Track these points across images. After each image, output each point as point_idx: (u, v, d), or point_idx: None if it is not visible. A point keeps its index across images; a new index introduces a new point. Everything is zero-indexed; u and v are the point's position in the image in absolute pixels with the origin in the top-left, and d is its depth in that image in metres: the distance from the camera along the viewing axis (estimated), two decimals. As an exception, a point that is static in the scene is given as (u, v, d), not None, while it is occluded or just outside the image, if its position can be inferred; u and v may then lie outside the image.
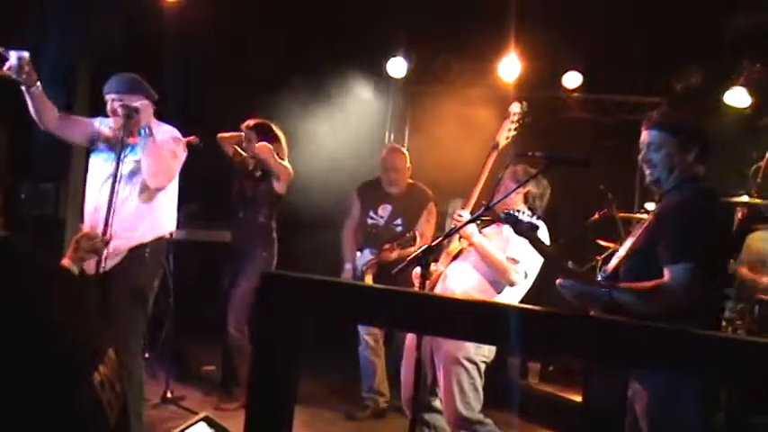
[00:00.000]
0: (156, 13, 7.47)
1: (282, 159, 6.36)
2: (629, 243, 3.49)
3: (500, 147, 4.88)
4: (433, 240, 4.41)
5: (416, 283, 4.68)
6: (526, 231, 3.71)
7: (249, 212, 6.42)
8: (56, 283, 1.57)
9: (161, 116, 5.13)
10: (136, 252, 4.90)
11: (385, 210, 6.67)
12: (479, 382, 4.80)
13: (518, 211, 3.87)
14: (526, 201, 4.93)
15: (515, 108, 4.95)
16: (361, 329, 6.65)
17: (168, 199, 5.07)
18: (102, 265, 4.76)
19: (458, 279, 4.84)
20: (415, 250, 5.60)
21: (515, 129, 4.92)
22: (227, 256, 6.61)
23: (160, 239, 5.03)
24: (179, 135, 5.09)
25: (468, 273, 4.85)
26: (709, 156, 3.44)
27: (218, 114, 6.37)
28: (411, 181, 6.78)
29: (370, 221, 6.68)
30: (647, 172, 3.48)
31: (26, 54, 4.50)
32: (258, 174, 6.37)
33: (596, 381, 3.60)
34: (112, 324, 4.58)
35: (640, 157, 3.49)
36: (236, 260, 6.39)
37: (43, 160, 7.61)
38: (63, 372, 1.46)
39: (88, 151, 5.12)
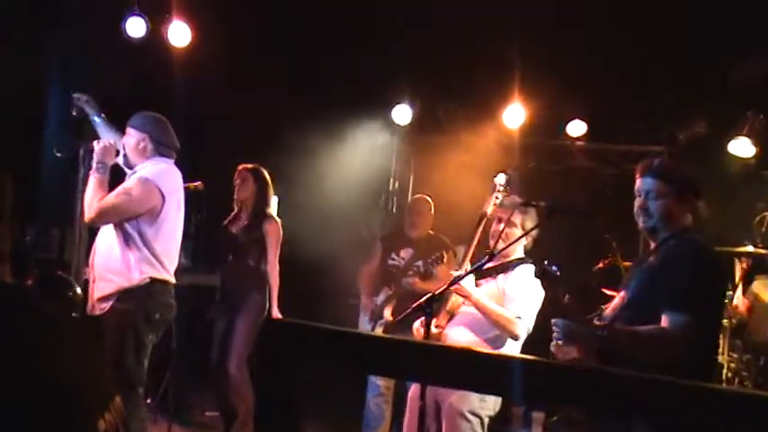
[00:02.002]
0: (164, 59, 7.55)
1: (268, 204, 6.44)
2: (623, 293, 3.49)
3: (487, 216, 4.91)
4: (437, 289, 4.41)
5: (418, 334, 4.68)
6: (552, 284, 3.70)
7: (238, 257, 6.41)
8: (63, 330, 1.58)
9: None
10: (119, 303, 4.81)
11: (407, 253, 6.75)
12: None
13: (547, 263, 3.87)
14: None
15: (501, 179, 4.97)
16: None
17: (153, 245, 4.90)
18: (92, 307, 4.81)
19: (461, 331, 4.82)
20: (431, 286, 5.66)
21: (501, 199, 4.93)
22: (218, 300, 6.57)
23: (147, 289, 4.86)
24: (156, 179, 4.91)
25: (465, 335, 4.81)
26: (699, 207, 3.47)
27: (224, 158, 6.40)
28: (432, 232, 6.87)
29: (390, 262, 6.76)
30: (642, 219, 3.47)
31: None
32: (245, 222, 6.39)
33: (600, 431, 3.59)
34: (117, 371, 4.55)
35: (637, 204, 3.49)
36: (229, 303, 6.37)
37: (49, 204, 7.65)
38: (69, 419, 1.46)
39: None
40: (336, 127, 8.50)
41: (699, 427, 1.25)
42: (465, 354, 1.50)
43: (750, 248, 6.30)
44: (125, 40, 7.36)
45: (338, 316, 6.92)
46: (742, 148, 7.63)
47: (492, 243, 4.71)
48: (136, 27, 7.33)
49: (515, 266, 4.78)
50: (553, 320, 3.41)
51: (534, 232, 4.79)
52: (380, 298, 6.63)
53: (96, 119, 5.21)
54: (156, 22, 7.42)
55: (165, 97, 7.54)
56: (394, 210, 9.50)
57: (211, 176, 6.03)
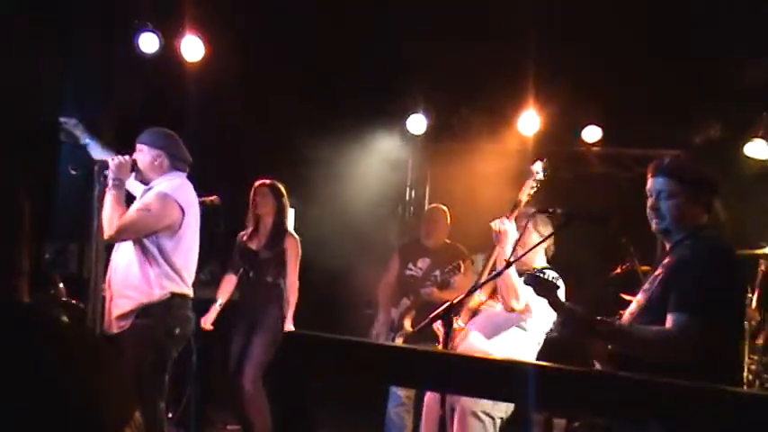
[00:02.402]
0: (177, 74, 7.59)
1: (286, 217, 6.54)
2: (640, 297, 3.44)
3: (521, 205, 4.93)
4: (455, 297, 4.42)
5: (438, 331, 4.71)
6: (548, 293, 3.66)
7: (256, 273, 6.48)
8: (78, 348, 1.58)
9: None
10: (140, 319, 4.85)
11: (424, 262, 6.77)
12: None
13: (541, 271, 3.84)
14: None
15: (537, 167, 4.99)
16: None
17: (172, 259, 4.95)
18: (109, 325, 4.84)
19: (479, 336, 4.85)
20: (449, 294, 5.71)
21: (536, 187, 4.97)
22: (237, 316, 6.59)
23: (167, 304, 4.91)
24: (175, 194, 4.97)
25: (487, 328, 4.86)
26: (715, 205, 3.38)
27: (239, 171, 6.43)
28: (449, 241, 6.89)
29: (408, 273, 6.78)
30: (654, 221, 3.39)
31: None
32: (265, 239, 6.47)
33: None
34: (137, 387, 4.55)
35: (649, 204, 3.41)
36: (247, 320, 6.41)
37: (66, 221, 7.69)
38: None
39: None
40: (351, 138, 8.52)
41: (716, 429, 1.24)
42: (481, 362, 1.50)
43: (768, 250, 6.27)
44: (138, 55, 7.40)
45: (355, 327, 6.91)
46: (758, 150, 7.59)
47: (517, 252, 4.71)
48: (149, 43, 7.38)
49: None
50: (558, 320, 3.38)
51: (552, 240, 4.80)
52: (400, 308, 6.63)
53: (87, 141, 5.27)
54: (169, 37, 7.46)
55: (178, 112, 7.58)
56: (411, 219, 9.49)
57: (226, 191, 6.05)
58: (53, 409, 1.44)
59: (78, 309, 6.41)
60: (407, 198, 9.46)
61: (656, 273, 3.37)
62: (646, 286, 3.44)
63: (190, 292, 5.06)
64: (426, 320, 4.33)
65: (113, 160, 4.85)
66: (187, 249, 5.05)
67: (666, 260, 3.37)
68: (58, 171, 7.39)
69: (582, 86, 7.63)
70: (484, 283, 4.69)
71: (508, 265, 4.34)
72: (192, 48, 7.47)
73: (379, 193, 8.70)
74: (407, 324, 6.47)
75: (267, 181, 6.55)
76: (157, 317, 4.85)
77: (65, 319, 4.67)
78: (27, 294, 1.65)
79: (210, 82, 7.63)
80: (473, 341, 4.86)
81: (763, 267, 6.44)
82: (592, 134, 8.36)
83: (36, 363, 1.46)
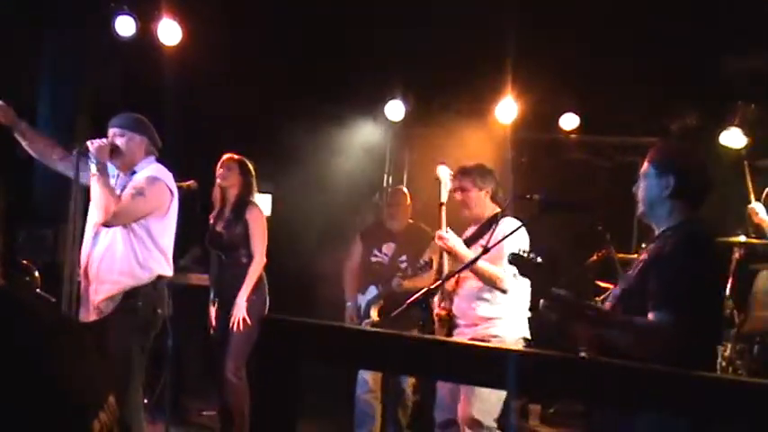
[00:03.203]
0: (154, 58, 7.53)
1: (252, 194, 6.29)
2: (623, 284, 3.45)
3: (444, 204, 5.30)
4: (433, 283, 4.43)
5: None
6: (531, 274, 3.67)
7: (229, 257, 6.24)
8: (54, 331, 1.57)
9: (160, 158, 5.17)
10: (128, 300, 4.87)
11: (389, 248, 6.72)
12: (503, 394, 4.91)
13: (524, 251, 3.85)
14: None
15: (442, 171, 5.36)
16: (364, 371, 6.45)
17: (159, 241, 4.99)
18: (98, 308, 4.83)
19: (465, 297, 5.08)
20: (422, 281, 5.84)
21: (450, 185, 5.31)
22: (214, 299, 6.40)
23: (153, 285, 4.95)
24: (164, 178, 5.01)
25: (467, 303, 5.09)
26: (692, 188, 3.37)
27: (217, 156, 6.36)
28: (412, 221, 6.85)
29: (374, 259, 6.71)
30: (638, 207, 3.43)
31: None
32: (228, 217, 6.25)
33: (597, 423, 3.58)
34: (112, 371, 4.56)
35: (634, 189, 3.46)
36: (225, 305, 6.17)
37: (41, 205, 7.63)
38: (63, 420, 1.46)
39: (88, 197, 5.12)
40: (329, 124, 8.50)
41: (698, 415, 1.25)
42: (461, 348, 1.50)
43: (743, 238, 6.33)
44: (114, 38, 7.34)
45: (336, 316, 6.89)
46: (733, 138, 7.64)
47: (465, 213, 5.26)
48: (125, 26, 7.32)
49: (495, 223, 4.87)
50: (544, 303, 3.38)
51: (491, 187, 5.22)
52: (367, 295, 6.58)
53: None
54: (146, 21, 7.41)
55: (155, 96, 7.53)
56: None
57: (203, 175, 6.01)
58: (27, 391, 1.43)
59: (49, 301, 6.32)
60: (385, 184, 9.45)
61: (640, 258, 3.39)
62: (630, 272, 3.46)
63: (170, 272, 5.12)
64: (403, 306, 4.35)
65: (93, 144, 4.81)
66: (172, 231, 5.12)
67: (651, 247, 3.39)
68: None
69: (559, 74, 7.64)
70: (459, 271, 4.74)
71: (485, 250, 4.39)
72: (169, 31, 7.41)
73: (358, 179, 8.69)
74: (374, 314, 6.43)
75: (235, 156, 6.30)
76: (144, 298, 4.90)
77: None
78: (1, 277, 1.64)
79: (188, 66, 7.58)
80: (461, 306, 5.06)
81: (737, 255, 6.51)
82: (569, 122, 8.39)
83: (9, 345, 1.45)
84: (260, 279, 6.18)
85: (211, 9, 7.50)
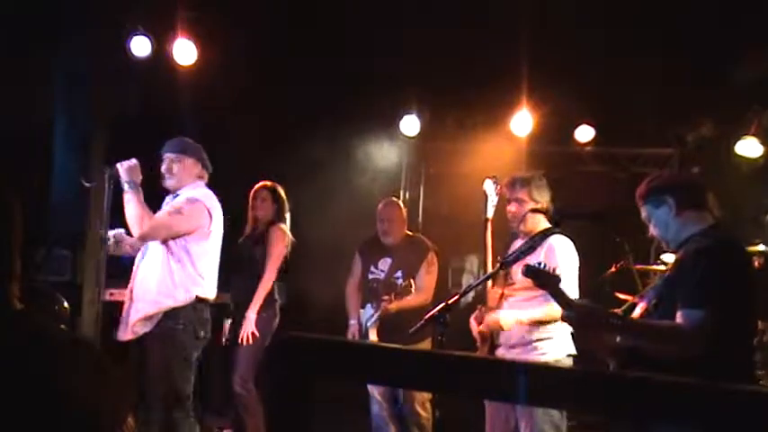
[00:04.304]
0: (170, 78, 7.57)
1: (282, 218, 6.44)
2: (651, 294, 3.48)
3: (490, 220, 5.13)
4: (450, 298, 4.40)
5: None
6: (548, 284, 3.68)
7: (246, 273, 6.35)
8: (72, 353, 1.58)
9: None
10: (167, 321, 4.99)
11: (385, 263, 6.59)
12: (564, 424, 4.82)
13: (539, 263, 3.85)
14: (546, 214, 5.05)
15: (488, 185, 5.20)
16: (373, 389, 6.50)
17: (198, 264, 5.10)
18: (132, 328, 4.92)
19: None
20: (412, 300, 6.04)
21: (496, 200, 5.16)
22: (226, 317, 6.52)
23: (193, 307, 5.07)
24: (204, 199, 5.18)
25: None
26: (690, 193, 3.43)
27: (235, 175, 6.39)
28: (410, 233, 6.79)
29: (371, 276, 6.62)
30: (663, 245, 3.59)
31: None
32: (256, 236, 6.43)
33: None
34: (132, 392, 4.64)
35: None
36: (237, 320, 6.29)
37: (60, 227, 7.66)
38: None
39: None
40: (345, 140, 8.51)
41: (718, 425, 1.23)
42: (472, 361, 1.49)
43: (762, 247, 6.28)
44: (130, 59, 7.38)
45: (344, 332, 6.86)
46: (750, 148, 7.60)
47: (515, 226, 5.03)
48: (141, 46, 7.37)
49: (546, 238, 4.84)
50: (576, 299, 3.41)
51: (546, 201, 4.98)
52: (367, 312, 6.54)
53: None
54: (162, 41, 7.45)
55: (171, 115, 7.56)
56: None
57: (220, 194, 6.04)
58: (42, 413, 1.43)
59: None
60: (402, 199, 9.44)
61: (665, 270, 3.47)
62: (657, 284, 3.51)
63: (212, 296, 5.24)
64: (420, 323, 4.34)
65: (122, 165, 4.92)
66: (213, 254, 5.24)
67: (676, 257, 3.49)
68: (51, 176, 7.37)
69: (574, 87, 7.63)
70: (477, 285, 4.72)
71: (502, 265, 4.39)
72: (185, 51, 7.46)
73: (374, 195, 8.68)
74: (373, 335, 6.36)
75: (267, 183, 6.49)
76: (185, 320, 5.01)
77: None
78: (19, 299, 1.65)
79: (204, 85, 7.61)
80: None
81: (756, 264, 6.45)
82: (584, 134, 8.37)
83: (26, 369, 1.46)
84: (270, 295, 6.27)
85: (226, 28, 7.53)
